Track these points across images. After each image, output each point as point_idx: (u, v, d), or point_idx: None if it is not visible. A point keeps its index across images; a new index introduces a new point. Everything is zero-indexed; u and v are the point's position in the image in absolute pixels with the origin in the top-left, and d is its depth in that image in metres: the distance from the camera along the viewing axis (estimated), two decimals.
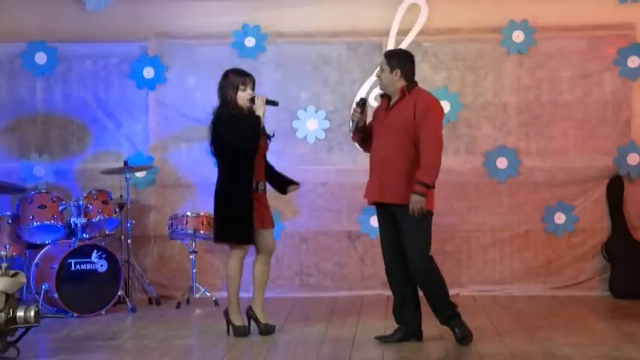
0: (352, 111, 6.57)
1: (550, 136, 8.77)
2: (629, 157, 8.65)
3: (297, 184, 7.06)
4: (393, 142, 6.36)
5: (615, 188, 8.66)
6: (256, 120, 6.63)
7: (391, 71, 6.43)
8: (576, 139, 8.76)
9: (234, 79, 6.69)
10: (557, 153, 8.76)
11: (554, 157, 8.76)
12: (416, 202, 6.21)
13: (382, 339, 6.58)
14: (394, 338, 6.53)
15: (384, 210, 6.49)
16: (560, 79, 8.77)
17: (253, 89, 6.73)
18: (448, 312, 6.48)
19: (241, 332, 6.76)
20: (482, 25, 8.76)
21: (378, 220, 6.61)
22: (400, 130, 6.34)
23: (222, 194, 6.71)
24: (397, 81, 6.42)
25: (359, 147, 6.82)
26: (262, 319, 6.81)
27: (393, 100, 6.47)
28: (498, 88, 8.80)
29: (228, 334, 6.81)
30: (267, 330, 6.78)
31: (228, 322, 6.81)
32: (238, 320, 6.79)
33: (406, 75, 6.44)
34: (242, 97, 6.67)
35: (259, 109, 6.65)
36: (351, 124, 6.61)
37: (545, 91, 8.78)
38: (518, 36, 8.70)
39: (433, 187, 6.28)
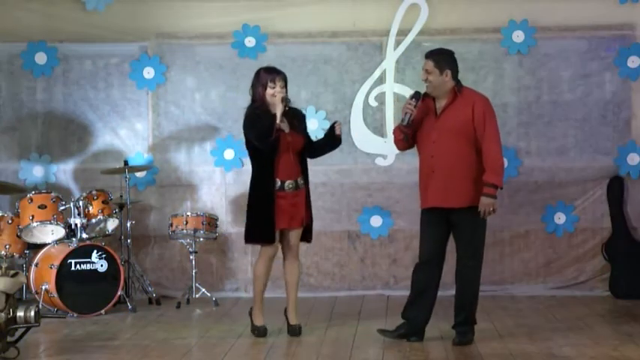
0: (406, 104, 6.41)
1: (550, 136, 8.77)
2: (629, 157, 8.66)
3: (335, 123, 6.80)
4: (453, 146, 6.31)
5: (615, 188, 8.65)
6: (272, 118, 6.59)
7: (441, 72, 6.37)
8: (576, 139, 8.76)
9: (264, 76, 6.70)
10: (557, 153, 8.77)
11: (554, 157, 8.76)
12: (488, 204, 6.27)
13: (383, 332, 6.58)
14: (395, 334, 6.53)
15: (439, 212, 6.41)
16: (560, 79, 8.78)
17: (285, 86, 6.70)
18: (467, 317, 6.48)
19: (259, 332, 6.76)
20: (482, 25, 8.76)
21: (427, 223, 6.48)
22: (459, 132, 6.31)
23: (249, 194, 6.78)
24: (448, 82, 6.39)
25: (396, 144, 6.65)
26: (291, 320, 6.82)
27: (443, 101, 6.40)
28: (498, 88, 8.79)
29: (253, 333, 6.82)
30: (293, 331, 6.77)
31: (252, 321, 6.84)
32: (259, 320, 6.79)
33: (454, 75, 6.42)
34: (270, 94, 6.67)
35: (277, 107, 6.61)
36: (404, 117, 6.37)
37: (545, 91, 8.79)
38: (518, 36, 8.70)
39: (501, 187, 6.33)
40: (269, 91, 6.65)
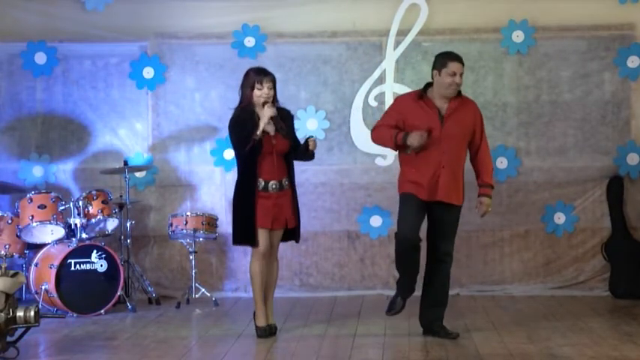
0: (422, 138, 6.37)
1: (550, 136, 8.77)
2: (629, 157, 8.66)
3: (310, 138, 6.74)
4: (459, 150, 6.56)
5: (615, 188, 8.66)
6: (252, 127, 6.55)
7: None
8: (576, 139, 8.77)
9: (252, 77, 6.69)
10: (557, 153, 8.77)
11: (554, 157, 8.77)
12: (488, 204, 6.60)
13: (392, 308, 6.69)
14: (397, 308, 6.69)
15: (428, 204, 6.53)
16: (560, 79, 8.78)
17: (274, 88, 6.68)
18: (443, 312, 6.72)
19: (261, 333, 6.74)
20: (482, 25, 8.77)
21: (414, 205, 6.50)
22: (464, 138, 6.55)
23: (234, 194, 6.79)
24: None
25: (377, 140, 6.69)
26: (267, 319, 6.79)
27: (444, 103, 6.51)
28: (498, 88, 8.80)
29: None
30: (269, 331, 6.76)
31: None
32: (260, 321, 6.77)
33: None
34: (257, 95, 6.65)
35: (263, 118, 6.60)
36: (409, 147, 6.43)
37: (545, 91, 8.79)
38: (518, 36, 8.70)
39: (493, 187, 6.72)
40: (256, 92, 6.64)
